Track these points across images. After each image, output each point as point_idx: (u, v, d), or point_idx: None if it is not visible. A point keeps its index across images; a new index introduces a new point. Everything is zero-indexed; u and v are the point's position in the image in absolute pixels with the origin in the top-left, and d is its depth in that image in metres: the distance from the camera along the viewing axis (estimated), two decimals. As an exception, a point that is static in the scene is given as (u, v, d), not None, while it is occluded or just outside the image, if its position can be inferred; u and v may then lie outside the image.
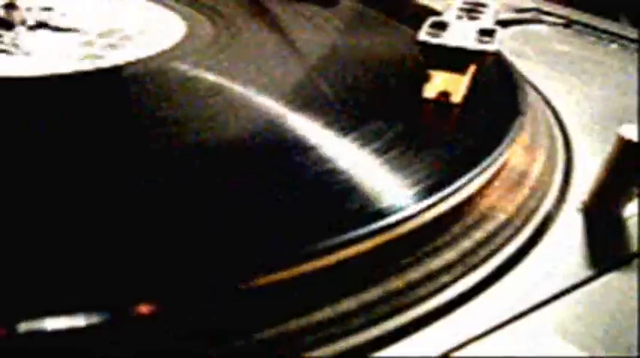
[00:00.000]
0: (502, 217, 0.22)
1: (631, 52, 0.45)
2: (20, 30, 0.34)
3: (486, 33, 0.28)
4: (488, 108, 0.27)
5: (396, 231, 0.19)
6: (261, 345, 0.16)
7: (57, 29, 0.35)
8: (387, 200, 0.20)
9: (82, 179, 0.20)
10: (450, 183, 0.21)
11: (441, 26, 0.28)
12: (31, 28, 0.35)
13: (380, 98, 0.28)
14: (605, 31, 0.48)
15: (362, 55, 0.34)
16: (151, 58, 0.31)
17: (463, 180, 0.21)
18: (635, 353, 0.17)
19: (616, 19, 0.56)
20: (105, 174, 0.21)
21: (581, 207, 0.24)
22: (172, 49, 0.33)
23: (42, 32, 0.34)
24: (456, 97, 0.27)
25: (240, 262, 0.17)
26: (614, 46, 0.46)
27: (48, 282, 0.15)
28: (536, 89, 0.36)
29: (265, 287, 0.16)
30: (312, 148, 0.23)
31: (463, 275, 0.20)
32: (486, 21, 0.30)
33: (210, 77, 0.29)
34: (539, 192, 0.25)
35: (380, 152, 0.23)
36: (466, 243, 0.20)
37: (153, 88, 0.28)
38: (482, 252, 0.21)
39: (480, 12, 0.31)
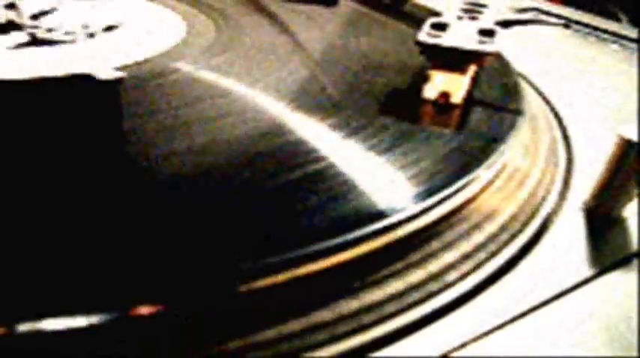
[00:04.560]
0: (502, 218, 0.22)
1: (631, 52, 0.45)
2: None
3: (486, 33, 0.28)
4: (488, 108, 0.27)
5: (396, 233, 0.19)
6: (260, 346, 0.16)
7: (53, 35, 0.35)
8: (387, 201, 0.20)
9: (82, 180, 0.20)
10: (450, 184, 0.21)
11: (441, 26, 0.28)
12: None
13: (379, 98, 0.28)
14: (605, 31, 0.48)
15: (361, 55, 0.34)
16: (151, 59, 0.31)
17: (463, 181, 0.21)
18: (635, 353, 0.17)
19: (617, 19, 0.56)
20: (105, 175, 0.21)
21: (582, 207, 0.24)
22: (173, 49, 0.33)
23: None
24: (456, 98, 0.27)
25: (239, 263, 0.17)
26: (614, 46, 0.46)
27: (48, 282, 0.15)
28: (536, 89, 0.36)
29: (265, 289, 0.16)
30: (312, 149, 0.23)
31: (464, 276, 0.20)
32: (486, 21, 0.30)
33: (211, 78, 0.30)
34: (539, 192, 0.25)
35: (379, 153, 0.23)
36: (466, 244, 0.21)
37: (153, 90, 0.28)
38: (483, 253, 0.21)
39: (480, 12, 0.31)
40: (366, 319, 0.17)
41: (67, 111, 0.26)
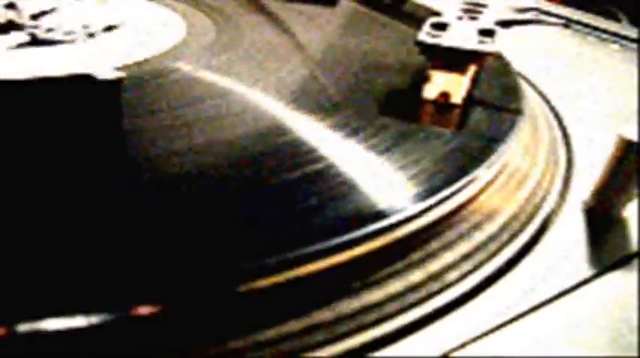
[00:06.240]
0: (502, 218, 0.22)
1: (631, 52, 0.45)
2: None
3: (486, 33, 0.28)
4: (488, 108, 0.27)
5: (396, 233, 0.19)
6: (261, 346, 0.16)
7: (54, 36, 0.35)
8: (387, 201, 0.20)
9: (82, 180, 0.20)
10: (450, 184, 0.21)
11: (441, 26, 0.28)
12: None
13: (379, 98, 0.28)
14: (605, 31, 0.48)
15: (362, 55, 0.34)
16: (151, 59, 0.31)
17: (463, 181, 0.21)
18: (635, 353, 0.17)
19: (616, 19, 0.56)
20: (105, 175, 0.21)
21: (582, 207, 0.24)
22: (173, 49, 0.33)
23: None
24: (456, 98, 0.27)
25: (239, 263, 0.17)
26: (614, 46, 0.46)
27: (48, 281, 0.15)
28: (536, 89, 0.36)
29: (265, 288, 0.16)
30: (312, 149, 0.23)
31: (464, 275, 0.20)
32: (486, 21, 0.30)
33: (212, 78, 0.30)
34: (539, 192, 0.25)
35: (379, 153, 0.23)
36: (466, 244, 0.20)
37: (153, 90, 0.28)
38: (483, 253, 0.21)
39: (480, 12, 0.31)
40: (366, 319, 0.17)
41: (67, 111, 0.26)
